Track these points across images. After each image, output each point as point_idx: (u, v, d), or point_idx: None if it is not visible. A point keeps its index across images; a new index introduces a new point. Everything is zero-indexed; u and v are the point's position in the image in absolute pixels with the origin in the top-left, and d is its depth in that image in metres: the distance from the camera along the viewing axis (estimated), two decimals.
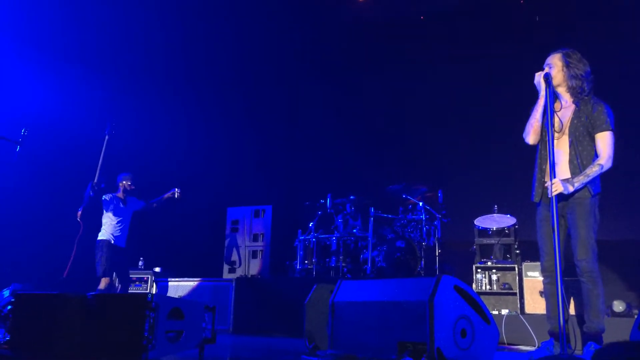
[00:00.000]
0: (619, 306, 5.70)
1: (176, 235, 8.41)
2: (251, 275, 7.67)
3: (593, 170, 3.50)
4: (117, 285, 6.51)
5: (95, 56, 8.77)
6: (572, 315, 4.63)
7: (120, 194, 6.52)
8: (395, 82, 8.69)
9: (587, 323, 3.57)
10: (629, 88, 6.98)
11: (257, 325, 6.27)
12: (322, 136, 9.11)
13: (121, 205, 6.46)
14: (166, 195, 6.63)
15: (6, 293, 5.32)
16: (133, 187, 6.54)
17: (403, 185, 7.05)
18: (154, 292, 7.21)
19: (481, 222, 6.38)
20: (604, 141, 3.56)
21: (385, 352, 3.00)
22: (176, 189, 6.60)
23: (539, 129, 3.78)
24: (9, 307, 3.33)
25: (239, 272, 7.80)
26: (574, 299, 4.74)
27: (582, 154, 3.61)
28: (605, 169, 3.52)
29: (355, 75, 8.85)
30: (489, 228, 6.30)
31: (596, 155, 3.58)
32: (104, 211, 6.38)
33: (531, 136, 3.84)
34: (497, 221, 6.30)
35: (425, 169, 8.04)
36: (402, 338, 2.95)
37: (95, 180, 6.12)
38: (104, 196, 6.39)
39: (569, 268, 4.35)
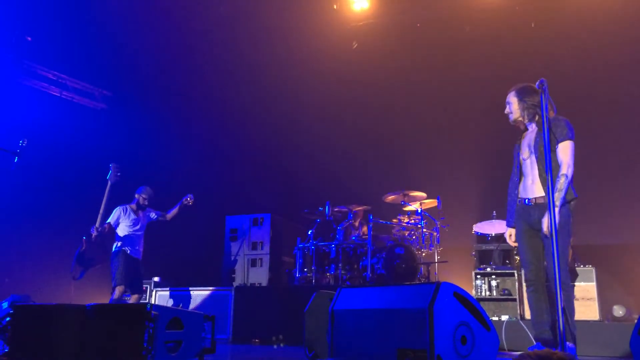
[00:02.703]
0: (618, 311, 5.71)
1: (175, 244, 8.40)
2: (250, 284, 7.65)
3: (561, 183, 3.75)
4: (128, 296, 6.58)
5: (92, 66, 8.80)
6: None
7: (133, 205, 6.64)
8: (392, 90, 8.71)
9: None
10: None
11: (257, 334, 6.25)
12: (321, 144, 9.12)
13: (133, 216, 6.56)
14: (180, 205, 6.74)
15: (5, 305, 5.30)
16: (147, 204, 6.68)
17: (402, 192, 7.05)
18: (153, 302, 7.20)
19: (480, 228, 6.38)
20: (564, 150, 3.83)
21: None
22: (189, 195, 6.69)
23: None
24: (8, 318, 3.32)
25: (238, 280, 7.78)
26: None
27: (552, 165, 3.79)
28: (569, 176, 3.77)
29: (352, 83, 8.87)
30: (488, 234, 6.30)
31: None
32: (114, 224, 6.48)
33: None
34: (496, 227, 6.29)
35: (424, 175, 8.04)
36: (402, 345, 2.94)
37: (97, 224, 6.23)
38: (115, 210, 6.53)
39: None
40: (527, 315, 5.62)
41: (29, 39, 8.00)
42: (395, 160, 8.58)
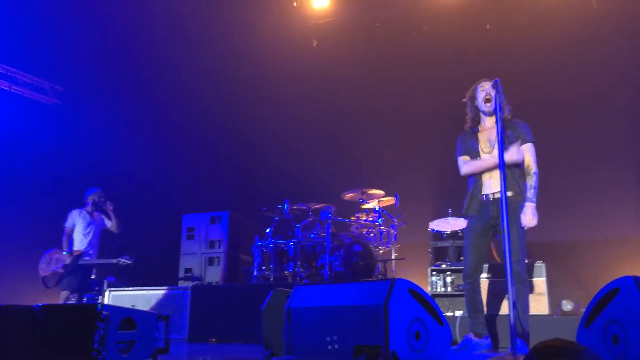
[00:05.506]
0: (567, 305, 5.90)
1: (130, 243, 8.23)
2: (207, 283, 7.57)
3: (534, 180, 3.98)
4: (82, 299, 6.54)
5: (42, 60, 8.54)
6: (502, 315, 4.83)
7: (88, 208, 6.65)
8: (351, 88, 8.76)
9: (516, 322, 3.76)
10: None
11: (214, 332, 6.18)
12: (279, 141, 9.09)
13: (89, 218, 6.60)
14: (106, 211, 6.79)
15: None
16: (103, 199, 6.71)
17: (360, 189, 7.09)
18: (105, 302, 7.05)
19: (436, 225, 6.47)
20: (530, 151, 4.06)
21: (341, 357, 3.00)
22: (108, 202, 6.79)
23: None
24: None
25: (195, 279, 7.68)
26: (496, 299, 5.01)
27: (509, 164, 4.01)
28: (538, 173, 4.01)
29: (311, 81, 8.86)
30: (444, 231, 6.40)
31: (522, 163, 4.03)
32: (71, 227, 6.52)
33: (469, 174, 4.21)
34: (451, 224, 6.39)
35: (382, 173, 8.12)
36: (358, 342, 2.96)
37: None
38: (70, 213, 6.56)
39: (491, 270, 5.13)
40: None
41: None
42: (354, 158, 8.63)
